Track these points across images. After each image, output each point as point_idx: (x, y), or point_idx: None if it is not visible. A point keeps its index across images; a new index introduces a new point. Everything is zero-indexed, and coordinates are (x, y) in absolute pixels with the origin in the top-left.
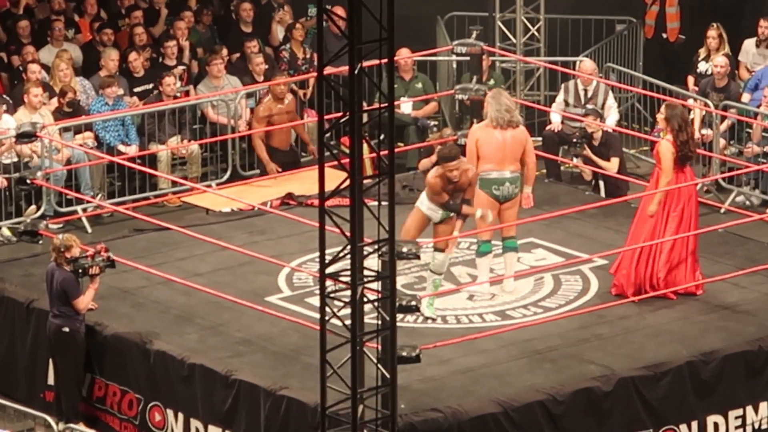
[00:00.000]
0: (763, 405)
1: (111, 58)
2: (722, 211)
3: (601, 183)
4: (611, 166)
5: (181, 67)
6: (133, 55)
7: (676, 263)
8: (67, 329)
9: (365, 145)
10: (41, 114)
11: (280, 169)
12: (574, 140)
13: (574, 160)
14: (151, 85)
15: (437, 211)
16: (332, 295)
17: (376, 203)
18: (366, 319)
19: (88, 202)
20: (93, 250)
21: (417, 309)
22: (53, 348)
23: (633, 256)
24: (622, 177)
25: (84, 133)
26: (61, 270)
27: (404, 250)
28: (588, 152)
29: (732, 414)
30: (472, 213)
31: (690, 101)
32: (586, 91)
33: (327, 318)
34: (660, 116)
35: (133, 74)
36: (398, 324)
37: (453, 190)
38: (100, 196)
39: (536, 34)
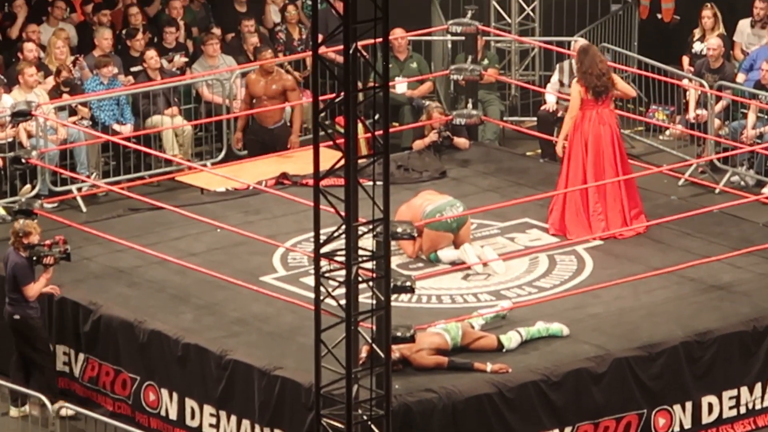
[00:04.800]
0: (757, 386)
1: (104, 38)
2: (717, 191)
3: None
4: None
5: (183, 60)
6: (138, 36)
7: (600, 210)
8: (17, 317)
9: (360, 125)
10: (36, 93)
11: (240, 148)
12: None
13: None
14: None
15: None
16: (327, 274)
17: (370, 183)
18: (360, 299)
19: (82, 181)
20: (52, 240)
21: (411, 290)
22: (12, 334)
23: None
24: None
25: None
26: (17, 255)
27: (399, 230)
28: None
29: (726, 394)
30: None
31: (685, 81)
32: None
33: (322, 298)
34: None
35: (129, 54)
36: (393, 304)
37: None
38: (94, 175)
39: (531, 13)
